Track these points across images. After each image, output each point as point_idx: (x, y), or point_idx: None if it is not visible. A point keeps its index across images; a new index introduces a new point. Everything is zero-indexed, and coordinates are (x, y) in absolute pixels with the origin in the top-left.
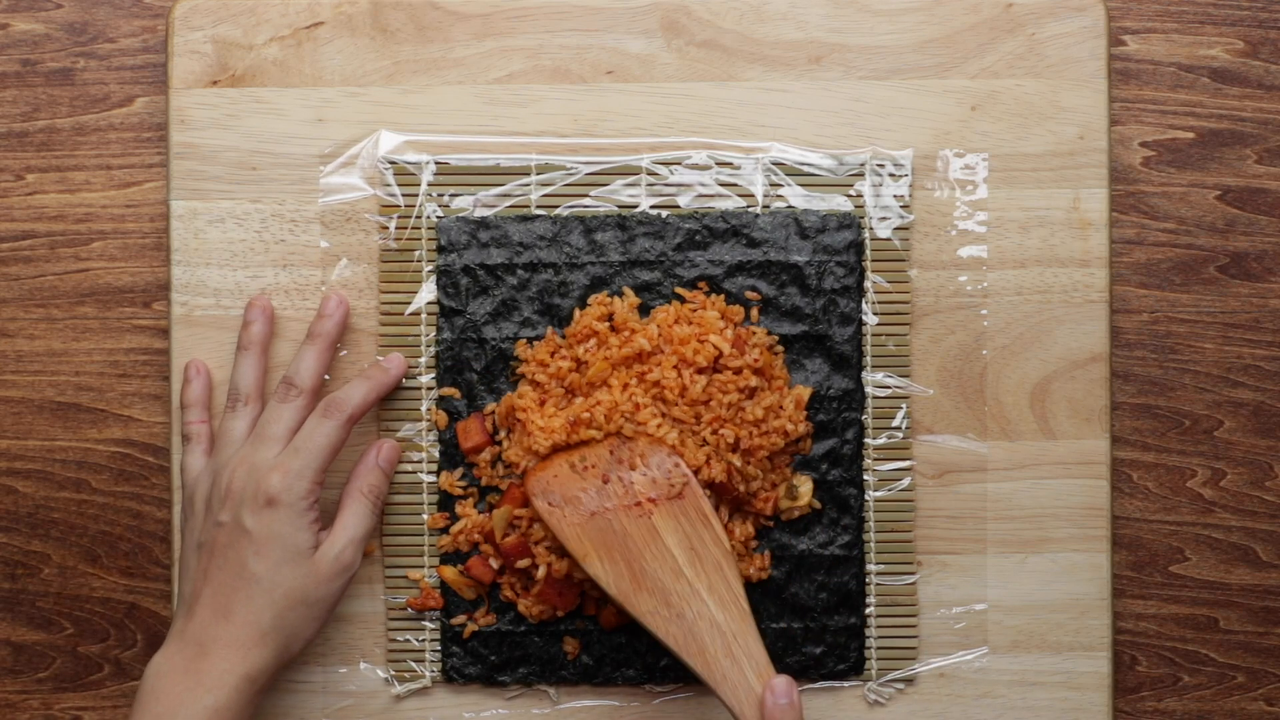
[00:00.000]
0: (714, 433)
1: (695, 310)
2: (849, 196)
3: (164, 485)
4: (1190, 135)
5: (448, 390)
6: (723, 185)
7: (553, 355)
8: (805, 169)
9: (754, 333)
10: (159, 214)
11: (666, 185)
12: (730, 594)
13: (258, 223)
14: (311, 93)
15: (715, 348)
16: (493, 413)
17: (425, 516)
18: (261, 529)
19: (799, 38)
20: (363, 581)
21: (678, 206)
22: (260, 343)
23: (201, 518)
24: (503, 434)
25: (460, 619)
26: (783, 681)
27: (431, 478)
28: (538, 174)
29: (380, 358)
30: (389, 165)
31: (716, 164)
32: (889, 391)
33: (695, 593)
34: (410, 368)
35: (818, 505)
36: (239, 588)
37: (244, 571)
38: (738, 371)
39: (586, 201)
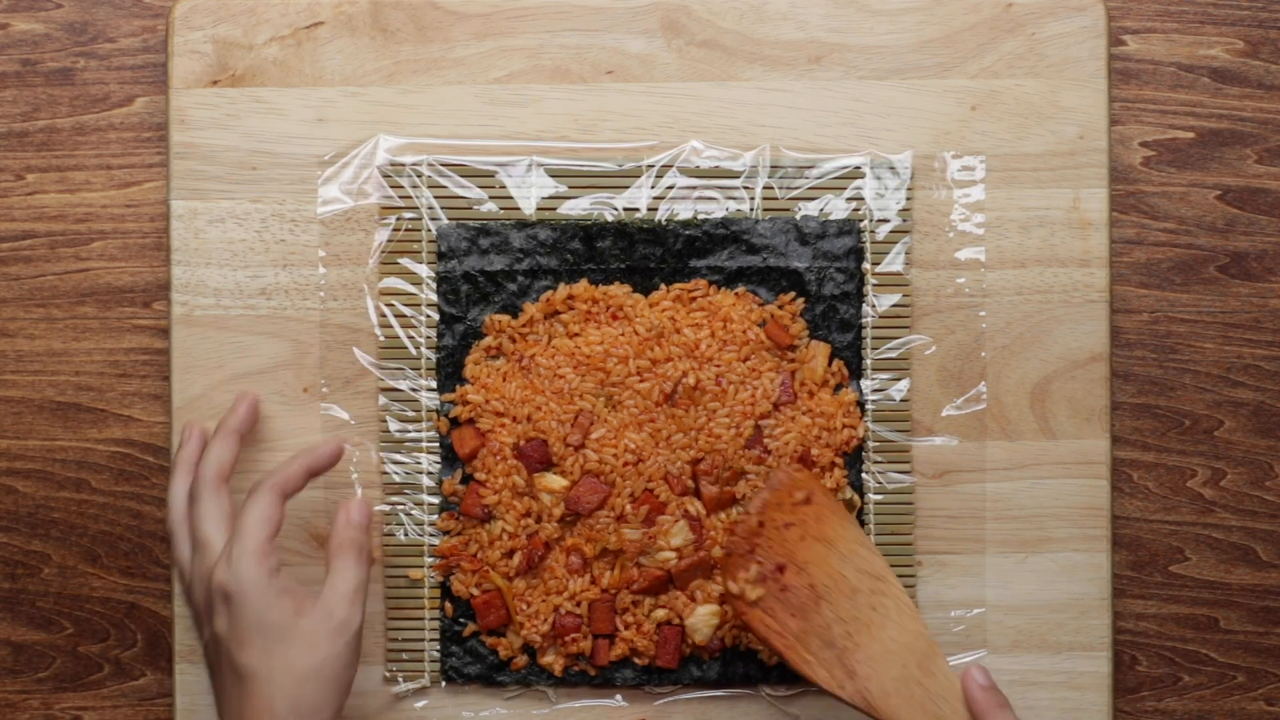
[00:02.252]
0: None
1: (701, 296)
2: (848, 200)
3: (164, 485)
4: (1190, 135)
5: (448, 396)
6: (722, 189)
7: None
8: (805, 171)
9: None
10: (159, 214)
11: (667, 188)
12: (899, 600)
13: (258, 223)
14: (311, 93)
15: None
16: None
17: (426, 520)
18: (233, 625)
19: (799, 38)
20: None
21: (677, 211)
22: (190, 461)
23: (206, 644)
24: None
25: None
26: (978, 670)
27: (432, 481)
28: (537, 175)
29: (322, 441)
30: (388, 170)
31: (717, 167)
32: (889, 392)
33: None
34: (410, 372)
35: (858, 501)
36: (243, 691)
37: (240, 672)
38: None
39: (586, 203)
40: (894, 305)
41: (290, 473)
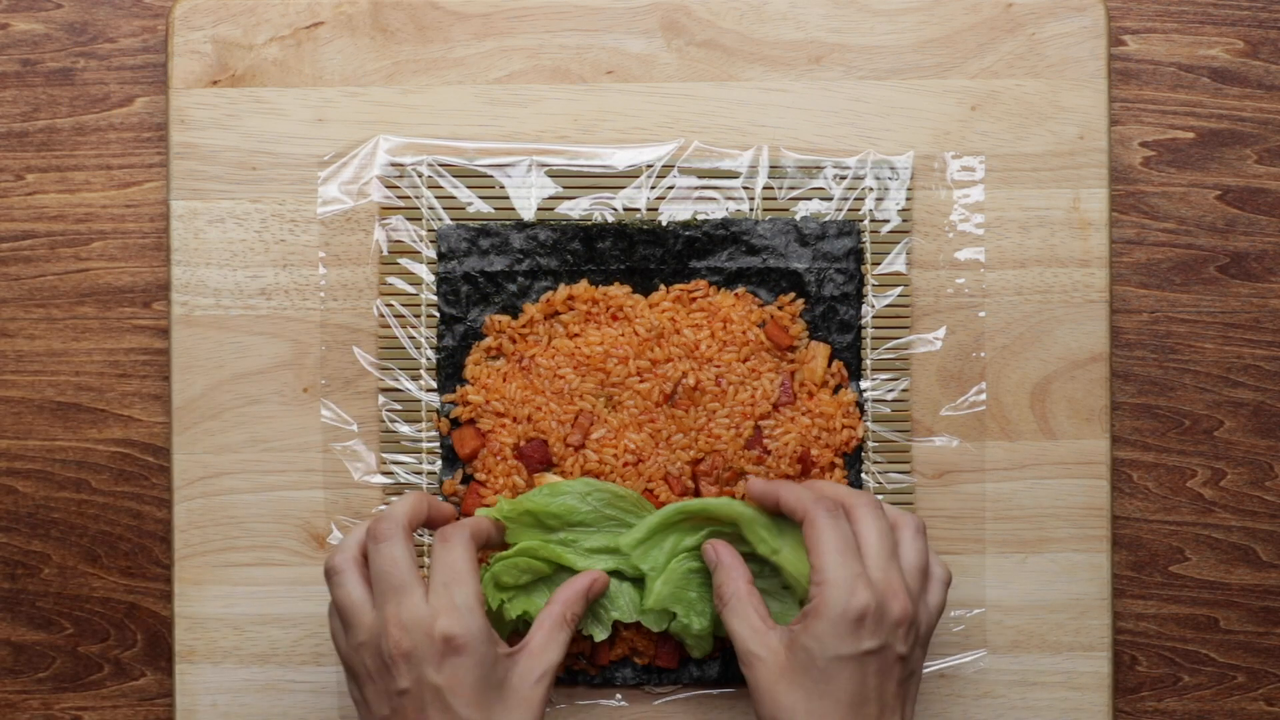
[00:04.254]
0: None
1: (701, 297)
2: (846, 200)
3: (164, 485)
4: (1190, 135)
5: (449, 396)
6: (722, 190)
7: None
8: (804, 172)
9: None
10: (159, 214)
11: (666, 188)
12: None
13: (258, 223)
14: (311, 93)
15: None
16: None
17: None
18: (455, 677)
19: (799, 38)
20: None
21: (676, 211)
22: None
23: (373, 696)
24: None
25: None
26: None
27: (433, 481)
28: (537, 176)
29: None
30: (389, 170)
31: (716, 167)
32: (889, 393)
33: None
34: (411, 372)
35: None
36: None
37: None
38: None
39: (586, 204)
40: (894, 306)
41: (480, 523)
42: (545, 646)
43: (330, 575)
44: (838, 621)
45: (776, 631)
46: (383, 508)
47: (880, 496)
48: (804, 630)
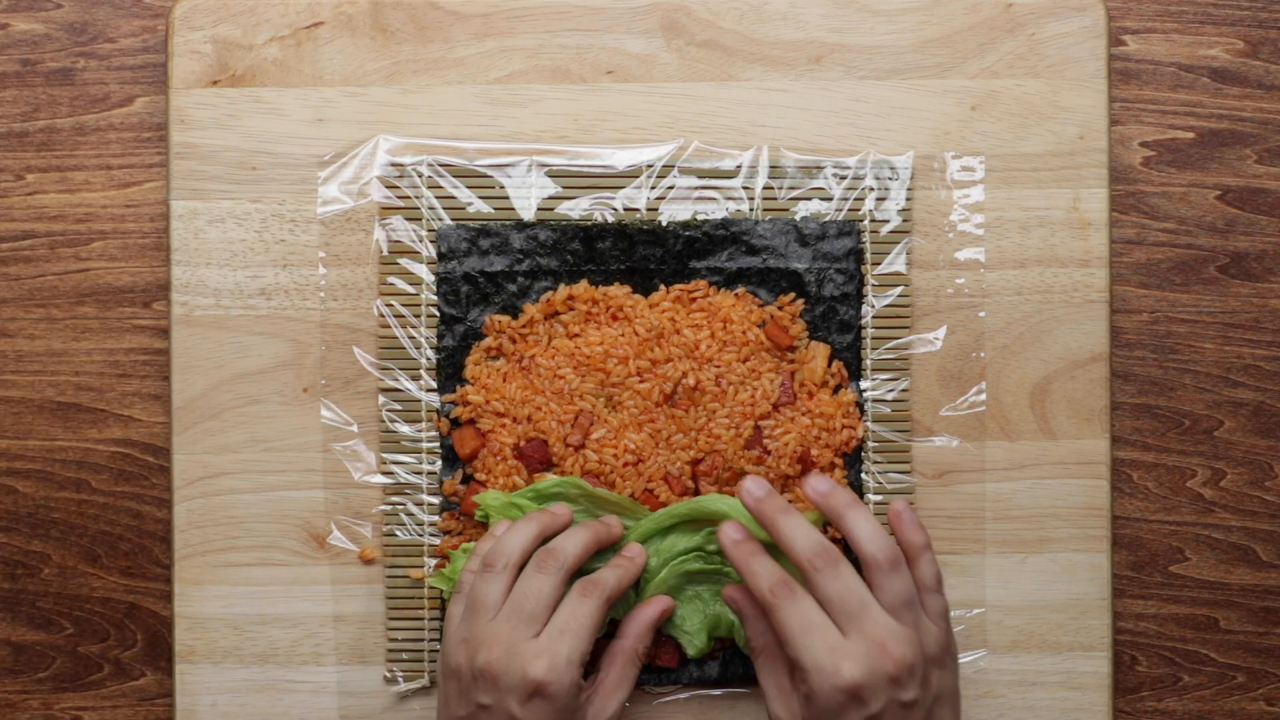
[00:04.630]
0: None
1: (701, 297)
2: (846, 200)
3: (164, 485)
4: (1190, 135)
5: (449, 396)
6: (722, 190)
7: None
8: (804, 172)
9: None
10: (159, 214)
11: (666, 188)
12: None
13: (258, 223)
14: (311, 93)
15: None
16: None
17: (426, 520)
18: (534, 715)
19: (799, 38)
20: (363, 581)
21: (676, 211)
22: (550, 528)
23: (456, 693)
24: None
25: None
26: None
27: (433, 481)
28: (537, 176)
29: (634, 548)
30: (388, 170)
31: (716, 167)
32: (889, 393)
33: None
34: (411, 372)
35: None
36: None
37: None
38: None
39: (586, 204)
40: (894, 305)
41: (614, 585)
42: (618, 684)
43: (490, 564)
44: (831, 703)
45: (799, 694)
46: (558, 510)
47: (880, 497)
48: (806, 711)
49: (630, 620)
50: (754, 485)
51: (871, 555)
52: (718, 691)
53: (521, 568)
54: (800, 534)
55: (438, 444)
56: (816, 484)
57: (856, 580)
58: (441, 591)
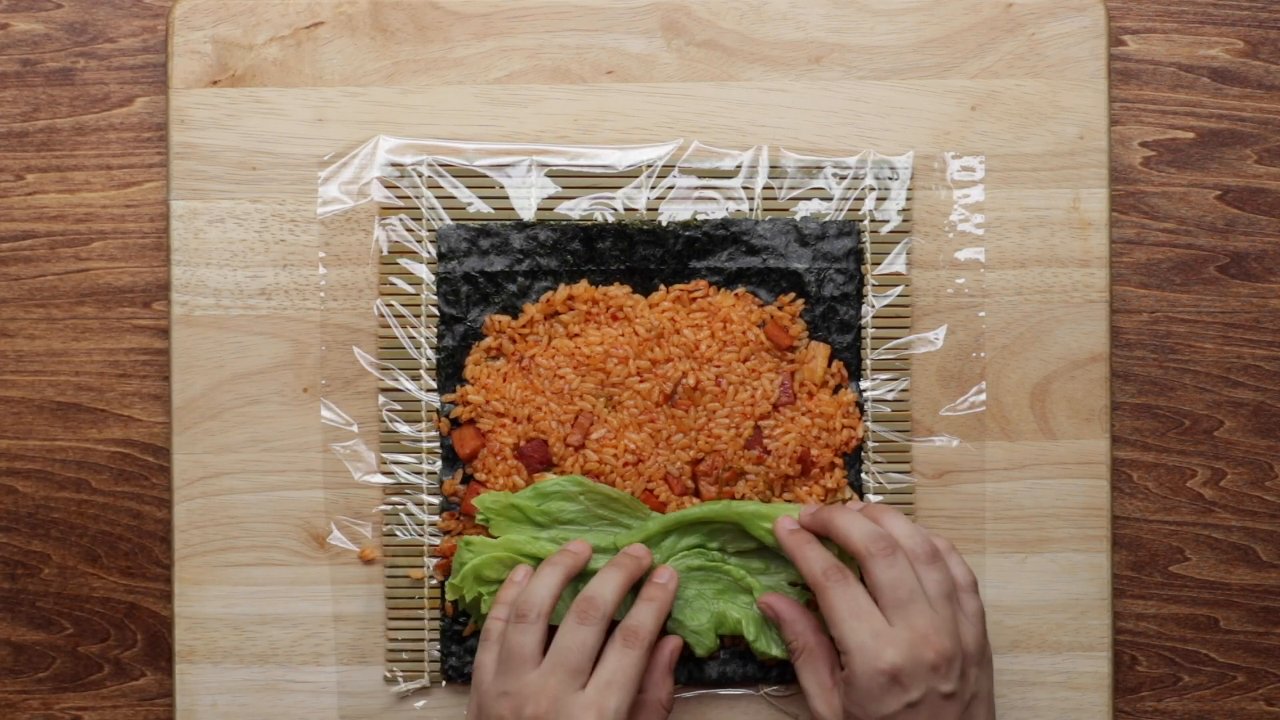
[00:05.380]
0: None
1: (701, 297)
2: (846, 200)
3: (164, 485)
4: (1190, 135)
5: (449, 396)
6: (722, 190)
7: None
8: (804, 172)
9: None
10: (159, 214)
11: (666, 188)
12: None
13: (258, 223)
14: (311, 93)
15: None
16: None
17: (426, 520)
18: None
19: (799, 38)
20: (363, 581)
21: (676, 211)
22: (572, 568)
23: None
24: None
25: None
26: (787, 518)
27: (433, 481)
28: (537, 176)
29: (664, 574)
30: (388, 170)
31: (716, 167)
32: (889, 393)
33: None
34: (411, 372)
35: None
36: None
37: None
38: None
39: (586, 204)
40: (894, 305)
41: (653, 626)
42: None
43: (523, 614)
44: (872, 686)
45: (839, 690)
46: (578, 548)
47: (880, 497)
48: (847, 697)
49: (649, 673)
50: (786, 520)
51: (911, 549)
52: (718, 691)
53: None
54: (856, 523)
55: (438, 444)
56: (849, 506)
57: (910, 571)
58: (444, 592)
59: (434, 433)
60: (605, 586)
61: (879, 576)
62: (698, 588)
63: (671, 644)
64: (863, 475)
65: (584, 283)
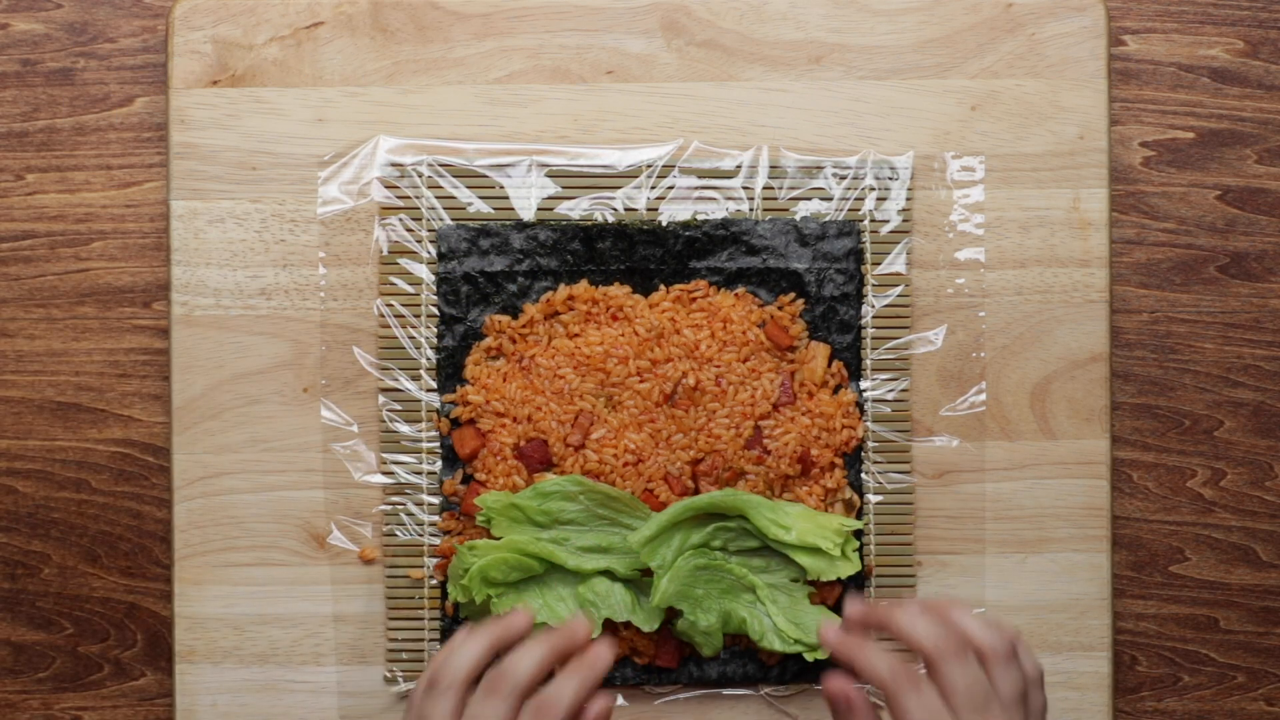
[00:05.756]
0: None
1: (701, 297)
2: (846, 200)
3: (164, 485)
4: (1190, 135)
5: (449, 396)
6: (722, 190)
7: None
8: (804, 172)
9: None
10: (159, 214)
11: (666, 188)
12: None
13: (258, 223)
14: (311, 93)
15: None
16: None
17: (426, 520)
18: None
19: (799, 38)
20: (363, 581)
21: (676, 211)
22: (501, 639)
23: None
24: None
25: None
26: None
27: (433, 481)
28: (537, 176)
29: (596, 649)
30: (388, 170)
31: (716, 167)
32: (888, 393)
33: None
34: (411, 372)
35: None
36: None
37: None
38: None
39: (586, 204)
40: (894, 305)
41: (572, 703)
42: None
43: (434, 682)
44: None
45: None
46: (516, 618)
47: (880, 497)
48: None
49: None
50: (830, 629)
51: (991, 647)
52: (718, 692)
53: (476, 682)
54: (921, 623)
55: (438, 444)
56: (904, 603)
57: (981, 673)
58: (445, 592)
59: (434, 433)
60: (524, 660)
61: (954, 681)
62: (705, 587)
63: (597, 707)
64: (863, 475)
65: (584, 283)
